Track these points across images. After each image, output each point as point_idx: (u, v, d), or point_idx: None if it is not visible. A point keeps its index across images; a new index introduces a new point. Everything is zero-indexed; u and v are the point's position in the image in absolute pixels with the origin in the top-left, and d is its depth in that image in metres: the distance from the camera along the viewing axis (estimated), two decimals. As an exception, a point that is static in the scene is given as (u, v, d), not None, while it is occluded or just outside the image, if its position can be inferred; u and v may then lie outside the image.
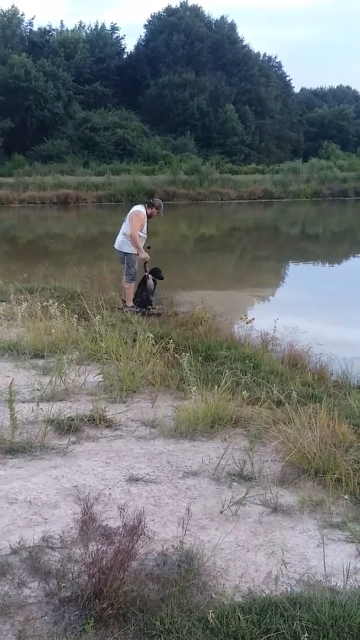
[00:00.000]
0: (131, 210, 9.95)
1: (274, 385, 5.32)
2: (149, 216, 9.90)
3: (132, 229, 9.63)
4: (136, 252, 9.69)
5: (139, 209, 9.88)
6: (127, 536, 2.98)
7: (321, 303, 12.51)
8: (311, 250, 22.83)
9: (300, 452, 4.27)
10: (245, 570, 3.21)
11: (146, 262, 9.88)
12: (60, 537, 3.36)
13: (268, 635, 2.67)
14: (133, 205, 10.29)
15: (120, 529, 3.08)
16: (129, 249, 9.68)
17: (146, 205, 9.97)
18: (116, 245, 9.92)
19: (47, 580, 2.98)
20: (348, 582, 3.07)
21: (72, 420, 4.89)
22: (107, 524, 3.35)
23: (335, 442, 4.31)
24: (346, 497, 3.72)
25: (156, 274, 10.13)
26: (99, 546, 2.99)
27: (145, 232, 9.86)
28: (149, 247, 9.99)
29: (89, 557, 2.90)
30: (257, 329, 8.20)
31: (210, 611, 2.73)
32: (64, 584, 2.92)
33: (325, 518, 3.72)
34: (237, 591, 3.00)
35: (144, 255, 9.72)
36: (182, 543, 3.30)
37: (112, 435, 4.84)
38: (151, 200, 10.14)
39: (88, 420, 4.97)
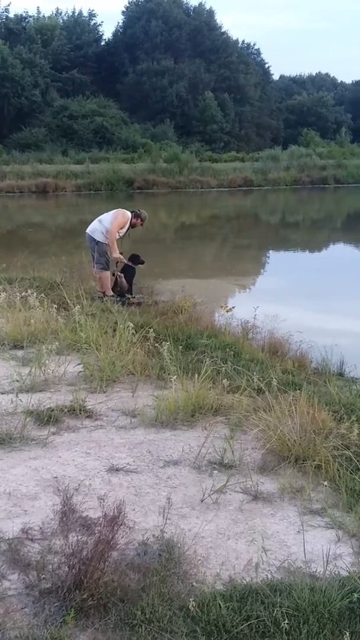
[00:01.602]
0: (119, 209, 9.85)
1: (255, 374, 5.31)
2: (132, 225, 9.83)
3: (112, 227, 9.52)
4: (107, 243, 9.58)
5: (127, 212, 9.80)
6: (108, 526, 2.97)
7: (301, 291, 12.54)
8: (291, 238, 22.88)
9: (281, 439, 4.29)
10: (226, 558, 3.22)
11: (118, 262, 9.76)
12: (40, 528, 3.35)
13: (249, 623, 2.68)
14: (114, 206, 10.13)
15: (101, 519, 3.07)
16: (101, 237, 9.56)
17: (133, 214, 9.87)
18: (89, 230, 9.75)
19: (26, 572, 2.97)
20: (328, 568, 3.09)
21: (52, 410, 4.87)
22: (87, 515, 3.35)
23: (315, 429, 4.33)
24: (326, 483, 3.73)
25: (136, 260, 10.05)
26: (79, 537, 2.99)
27: (120, 236, 9.79)
28: (121, 253, 9.90)
29: (69, 548, 2.89)
30: (238, 317, 8.21)
31: (191, 600, 2.74)
32: (44, 576, 2.91)
33: (305, 505, 3.74)
34: (217, 579, 3.01)
35: (117, 255, 9.61)
36: (162, 532, 3.30)
37: (93, 425, 4.82)
38: (138, 211, 10.02)
39: (68, 411, 4.95)
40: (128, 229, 9.83)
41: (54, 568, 2.95)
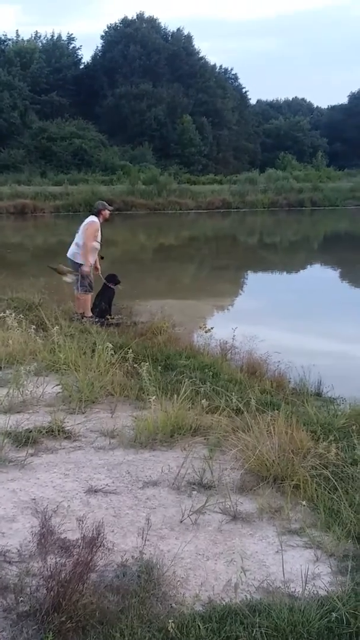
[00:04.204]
0: (85, 222, 9.86)
1: (233, 394, 5.34)
2: (105, 220, 9.86)
3: (85, 238, 9.57)
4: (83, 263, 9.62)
5: (93, 219, 9.81)
6: (86, 548, 2.96)
7: (279, 311, 12.65)
8: (269, 260, 23.10)
9: (259, 459, 4.30)
10: (205, 578, 3.21)
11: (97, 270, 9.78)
12: (18, 550, 3.31)
13: (228, 643, 2.67)
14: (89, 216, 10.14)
15: (79, 541, 3.05)
16: (83, 259, 9.60)
17: (97, 212, 9.89)
18: (69, 255, 9.80)
19: (4, 595, 2.93)
20: (306, 588, 3.10)
21: (30, 432, 4.83)
22: (65, 537, 3.32)
23: (293, 449, 4.34)
24: (304, 503, 3.75)
25: (113, 280, 10.10)
26: (58, 559, 2.96)
27: (99, 240, 9.81)
28: (102, 258, 9.91)
29: (47, 570, 2.86)
30: (216, 338, 8.24)
31: (170, 621, 2.72)
32: (21, 599, 2.88)
33: (283, 524, 3.74)
34: (197, 600, 3.00)
35: (87, 269, 9.59)
36: (141, 553, 3.29)
37: (71, 446, 4.79)
38: (98, 207, 10.02)
39: (46, 432, 4.92)
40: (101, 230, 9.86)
41: (32, 591, 2.92)
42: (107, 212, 9.91)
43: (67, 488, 4.08)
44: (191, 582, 3.17)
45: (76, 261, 9.65)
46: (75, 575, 2.82)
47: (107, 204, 10.16)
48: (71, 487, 4.10)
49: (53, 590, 2.77)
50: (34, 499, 3.90)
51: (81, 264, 9.59)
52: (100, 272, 10.05)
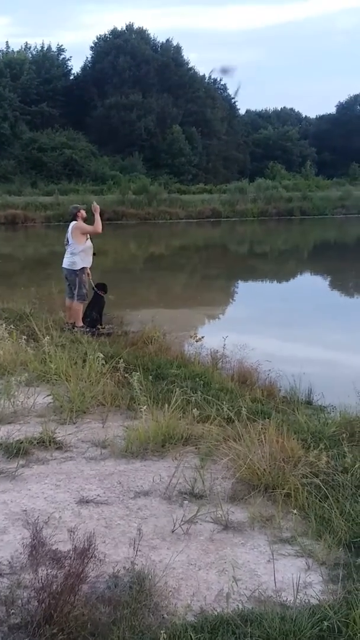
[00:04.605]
0: (69, 229, 9.87)
1: (224, 403, 5.35)
2: (84, 220, 9.96)
3: (92, 228, 9.72)
4: (83, 266, 9.67)
5: (77, 222, 9.85)
6: (78, 559, 2.95)
7: (269, 320, 12.67)
8: (259, 268, 23.18)
9: (250, 468, 4.31)
10: (197, 589, 3.20)
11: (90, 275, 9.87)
12: (9, 562, 3.30)
13: (220, 653, 2.67)
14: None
15: (71, 552, 3.05)
16: (82, 262, 9.63)
17: (74, 218, 9.96)
18: (65, 265, 9.79)
19: (-5, 607, 2.92)
20: (298, 597, 3.10)
21: (21, 443, 4.83)
22: (57, 548, 3.31)
23: (284, 458, 4.36)
24: (295, 511, 3.76)
25: (103, 288, 10.13)
26: (49, 570, 2.95)
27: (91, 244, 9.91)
28: (94, 254, 9.94)
29: (38, 582, 2.86)
30: (207, 347, 8.26)
31: (162, 632, 2.72)
32: (13, 611, 2.87)
33: (275, 533, 3.75)
34: (189, 610, 3.00)
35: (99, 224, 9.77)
36: (133, 564, 3.28)
37: (62, 457, 4.78)
38: (72, 212, 10.15)
39: (37, 443, 4.91)
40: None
41: (23, 603, 2.91)
42: (83, 212, 10.01)
43: (58, 499, 4.07)
44: (183, 592, 3.17)
45: (74, 268, 9.66)
46: (67, 587, 2.81)
47: (78, 205, 10.29)
48: (62, 498, 4.10)
49: (44, 602, 2.77)
50: (25, 510, 3.89)
51: (77, 271, 9.61)
52: (91, 278, 10.05)
